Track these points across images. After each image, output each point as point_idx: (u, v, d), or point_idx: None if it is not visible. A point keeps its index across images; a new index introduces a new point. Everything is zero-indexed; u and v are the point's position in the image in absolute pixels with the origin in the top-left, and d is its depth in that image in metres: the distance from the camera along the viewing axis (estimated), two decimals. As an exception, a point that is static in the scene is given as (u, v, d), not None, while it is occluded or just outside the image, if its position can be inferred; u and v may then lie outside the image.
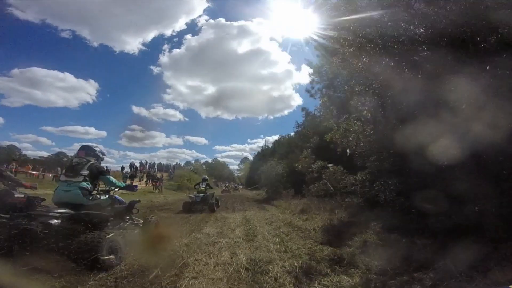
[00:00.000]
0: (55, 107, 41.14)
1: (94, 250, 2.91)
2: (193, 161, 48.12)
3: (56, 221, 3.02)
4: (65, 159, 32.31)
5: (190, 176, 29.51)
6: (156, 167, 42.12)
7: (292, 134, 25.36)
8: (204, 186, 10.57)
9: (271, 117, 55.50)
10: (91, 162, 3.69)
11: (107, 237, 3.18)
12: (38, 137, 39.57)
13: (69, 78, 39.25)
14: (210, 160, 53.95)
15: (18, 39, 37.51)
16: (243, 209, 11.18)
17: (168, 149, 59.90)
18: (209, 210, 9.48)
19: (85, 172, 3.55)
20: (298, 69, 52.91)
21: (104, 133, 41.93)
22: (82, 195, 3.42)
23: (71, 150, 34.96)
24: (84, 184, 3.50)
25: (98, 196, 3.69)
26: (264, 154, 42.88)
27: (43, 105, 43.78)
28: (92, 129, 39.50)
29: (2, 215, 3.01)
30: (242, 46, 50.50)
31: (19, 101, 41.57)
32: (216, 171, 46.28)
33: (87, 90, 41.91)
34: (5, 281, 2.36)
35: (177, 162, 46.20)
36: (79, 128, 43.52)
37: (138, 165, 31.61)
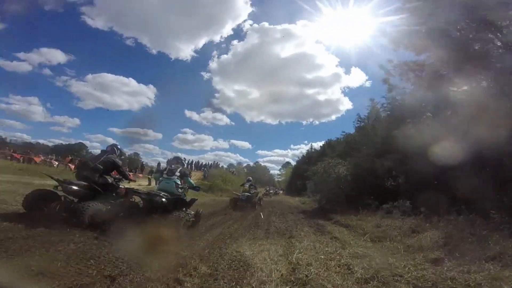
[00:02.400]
0: (121, 110, 43.72)
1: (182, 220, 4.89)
2: (235, 164, 47.78)
3: (164, 200, 4.88)
4: (84, 152, 35.23)
5: (226, 177, 26.01)
6: (194, 165, 41.33)
7: (352, 132, 20.05)
8: (248, 186, 11.57)
9: (317, 122, 52.33)
10: (180, 168, 5.63)
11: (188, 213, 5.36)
12: (105, 137, 43.44)
13: (132, 83, 41.58)
14: (251, 164, 52.79)
15: (90, 46, 41.92)
16: (286, 228, 6.40)
17: (215, 152, 61.41)
18: (252, 208, 10.79)
19: (178, 174, 5.47)
20: (347, 72, 51.68)
21: (160, 135, 44.56)
22: (175, 187, 5.32)
23: (132, 150, 38.86)
24: (177, 181, 5.41)
25: (181, 190, 5.49)
26: (310, 158, 38.78)
27: (111, 108, 47.07)
28: (151, 131, 42.29)
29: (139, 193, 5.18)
30: (286, 50, 49.67)
31: (92, 104, 45.97)
32: (257, 175, 44.48)
33: (147, 94, 45.52)
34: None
35: (215, 162, 45.34)
36: (139, 130, 45.62)
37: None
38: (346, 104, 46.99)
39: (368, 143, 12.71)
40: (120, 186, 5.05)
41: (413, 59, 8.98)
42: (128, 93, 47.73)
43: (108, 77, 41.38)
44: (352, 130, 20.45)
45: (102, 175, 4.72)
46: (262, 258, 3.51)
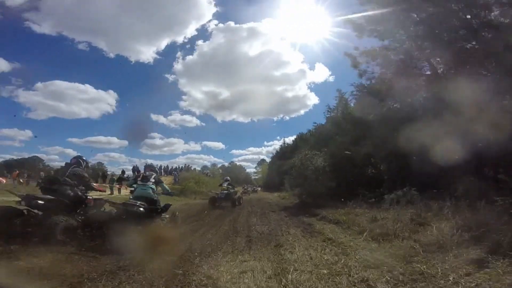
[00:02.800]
0: (79, 118, 41.10)
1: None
2: (209, 166, 46.25)
3: (141, 209, 4.79)
4: (40, 165, 31.95)
5: (199, 179, 24.34)
6: (163, 171, 38.85)
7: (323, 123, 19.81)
8: (226, 185, 11.84)
9: (287, 118, 53.86)
10: (154, 175, 5.68)
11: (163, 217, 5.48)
12: (64, 148, 40.09)
13: (89, 89, 38.56)
14: (226, 164, 51.57)
15: (38, 52, 38.20)
16: (270, 232, 5.38)
17: (186, 155, 59.47)
18: (232, 206, 10.88)
19: (152, 180, 5.50)
20: (312, 68, 53.87)
21: (125, 142, 41.73)
22: (152, 193, 5.36)
23: (95, 160, 35.80)
24: (153, 187, 5.44)
25: (157, 195, 5.51)
26: (284, 153, 38.77)
27: (67, 117, 45.03)
28: (114, 139, 39.33)
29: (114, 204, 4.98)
30: (253, 48, 50.45)
31: (45, 114, 42.77)
32: (233, 174, 43.34)
33: (107, 100, 43.02)
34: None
35: (186, 165, 43.60)
36: (101, 138, 42.98)
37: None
38: (313, 99, 47.78)
39: (341, 131, 12.27)
40: (88, 197, 4.97)
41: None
42: (86, 100, 44.06)
43: (62, 85, 38.01)
44: (322, 122, 20.28)
45: (72, 188, 4.68)
46: (245, 285, 2.43)
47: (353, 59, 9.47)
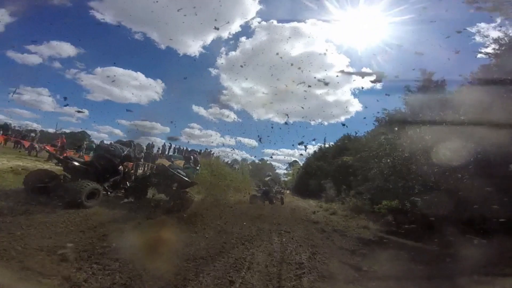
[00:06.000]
0: (129, 103, 44.75)
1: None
2: (240, 160, 46.32)
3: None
4: (87, 140, 34.04)
5: (218, 169, 19.49)
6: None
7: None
8: (268, 180, 12.04)
9: (325, 123, 49.96)
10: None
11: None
12: (113, 128, 44.41)
13: (141, 77, 42.71)
14: (256, 161, 50.31)
15: (99, 39, 43.26)
16: None
17: (221, 148, 62.52)
18: (270, 203, 10.62)
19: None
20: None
21: (167, 129, 44.73)
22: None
23: (140, 142, 38.80)
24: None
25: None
26: (324, 153, 33.36)
27: (119, 101, 50.00)
28: (158, 125, 41.94)
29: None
30: (295, 48, 46.89)
31: (101, 96, 48.29)
32: (262, 172, 40.39)
33: (155, 89, 45.51)
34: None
35: (208, 150, 44.67)
36: (147, 123, 46.15)
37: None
38: (356, 106, 44.19)
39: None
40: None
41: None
42: (137, 87, 47.64)
43: (117, 71, 41.80)
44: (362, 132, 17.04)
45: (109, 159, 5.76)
46: None
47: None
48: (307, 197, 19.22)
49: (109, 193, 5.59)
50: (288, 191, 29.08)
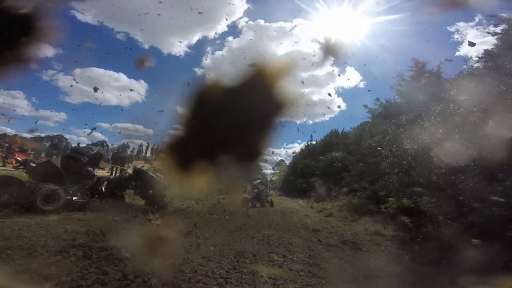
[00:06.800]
0: (110, 105, 43.15)
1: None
2: None
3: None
4: (63, 144, 31.92)
5: None
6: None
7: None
8: (257, 183, 11.35)
9: (310, 122, 51.34)
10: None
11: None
12: (94, 132, 42.42)
13: (123, 78, 41.16)
14: None
15: (80, 40, 41.18)
16: None
17: None
18: (261, 206, 10.55)
19: None
20: (342, 71, 49.87)
21: (151, 131, 42.08)
22: None
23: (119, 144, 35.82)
24: None
25: None
26: (310, 151, 32.77)
27: (100, 103, 48.47)
28: (141, 127, 39.88)
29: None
30: (282, 48, 48.33)
31: (80, 99, 46.82)
32: (249, 173, 39.25)
33: (138, 90, 44.03)
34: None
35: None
36: (129, 125, 45.01)
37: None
38: (340, 105, 45.01)
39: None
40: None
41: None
42: (118, 88, 45.94)
43: (98, 72, 39.91)
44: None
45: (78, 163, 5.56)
46: None
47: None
48: (296, 197, 18.34)
49: (73, 198, 5.20)
50: (275, 191, 28.36)
